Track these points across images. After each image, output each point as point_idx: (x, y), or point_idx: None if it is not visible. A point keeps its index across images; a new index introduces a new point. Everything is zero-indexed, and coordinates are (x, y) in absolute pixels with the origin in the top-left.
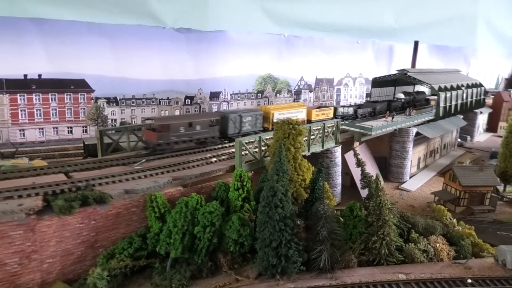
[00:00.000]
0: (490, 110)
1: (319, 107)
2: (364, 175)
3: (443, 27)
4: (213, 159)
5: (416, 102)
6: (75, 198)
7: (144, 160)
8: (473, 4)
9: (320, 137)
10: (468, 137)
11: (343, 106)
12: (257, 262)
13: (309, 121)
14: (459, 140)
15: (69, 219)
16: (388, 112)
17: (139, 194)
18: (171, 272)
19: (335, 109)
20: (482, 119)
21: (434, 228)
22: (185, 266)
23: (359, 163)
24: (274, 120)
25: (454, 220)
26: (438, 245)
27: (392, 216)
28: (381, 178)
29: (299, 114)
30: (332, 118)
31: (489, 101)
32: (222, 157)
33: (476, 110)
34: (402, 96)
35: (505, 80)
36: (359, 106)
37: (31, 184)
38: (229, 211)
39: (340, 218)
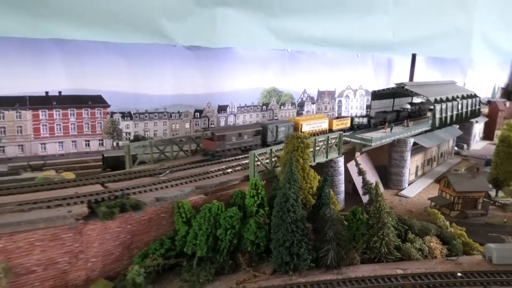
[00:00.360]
0: (486, 119)
1: (337, 118)
2: (365, 183)
3: (440, 40)
4: (229, 170)
5: (421, 112)
6: (115, 205)
7: (168, 172)
8: (468, 18)
9: (324, 148)
10: (465, 146)
11: (359, 117)
12: (272, 260)
13: (330, 130)
14: (456, 148)
15: (110, 224)
16: (386, 124)
17: (168, 201)
18: (198, 269)
19: (352, 119)
20: (478, 128)
21: (429, 230)
22: (209, 264)
23: (360, 172)
24: (303, 130)
25: (447, 222)
26: (432, 244)
27: (390, 219)
28: (380, 185)
29: (323, 124)
30: (350, 127)
31: (485, 110)
32: (237, 168)
33: (472, 120)
34: (408, 106)
35: (501, 89)
36: (372, 116)
37: (75, 194)
38: (246, 216)
39: (344, 221)
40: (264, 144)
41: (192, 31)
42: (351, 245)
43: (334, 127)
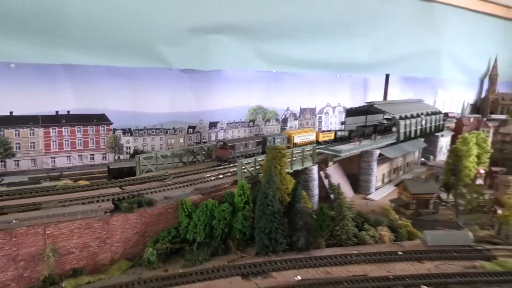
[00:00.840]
0: (453, 133)
1: (323, 131)
2: (330, 184)
3: (411, 61)
4: (221, 176)
5: (396, 126)
6: (134, 201)
7: (171, 177)
8: (437, 40)
9: (300, 158)
10: (431, 157)
11: (341, 131)
12: (255, 245)
13: (317, 141)
14: (422, 159)
15: (129, 216)
16: (356, 137)
17: (174, 199)
18: (197, 252)
19: (335, 133)
20: (444, 141)
21: (381, 221)
22: (206, 248)
23: (326, 175)
24: (294, 141)
25: (397, 216)
26: (382, 232)
27: (350, 213)
28: (350, 190)
29: (311, 136)
30: (333, 139)
31: (451, 125)
32: (227, 174)
33: (437, 134)
34: (385, 121)
35: (470, 105)
36: (352, 130)
37: (101, 194)
38: (235, 211)
39: (314, 215)
40: (264, 152)
41: (186, 56)
42: (318, 233)
43: (320, 139)
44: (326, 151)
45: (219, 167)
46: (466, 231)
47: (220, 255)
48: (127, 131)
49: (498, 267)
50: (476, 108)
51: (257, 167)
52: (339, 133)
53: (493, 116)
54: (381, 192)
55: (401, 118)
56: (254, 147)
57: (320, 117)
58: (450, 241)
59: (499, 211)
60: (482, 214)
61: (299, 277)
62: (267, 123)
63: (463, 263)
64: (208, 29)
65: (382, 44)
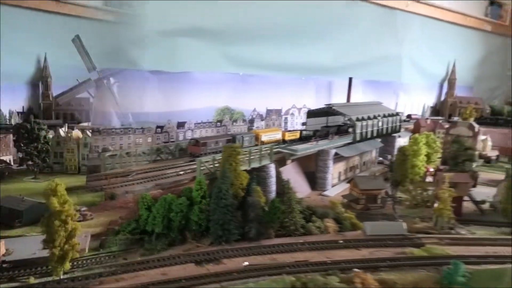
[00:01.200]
0: (411, 134)
1: (289, 131)
2: (281, 180)
3: (374, 66)
4: (181, 172)
5: (353, 127)
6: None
7: (135, 174)
8: (399, 46)
9: (258, 156)
10: (389, 156)
11: (306, 130)
12: (210, 236)
13: (284, 140)
14: (380, 158)
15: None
16: (313, 137)
17: (135, 194)
18: (156, 242)
19: (301, 132)
20: (402, 141)
21: (327, 214)
22: (164, 238)
23: (278, 173)
24: (262, 139)
25: (343, 209)
26: (327, 223)
27: (298, 206)
28: (307, 186)
29: (277, 135)
30: (299, 138)
31: (410, 126)
32: (187, 171)
33: (394, 134)
34: (348, 122)
35: (430, 108)
36: (317, 130)
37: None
38: (192, 204)
39: (265, 209)
40: None
41: (155, 58)
42: (269, 225)
43: (286, 138)
44: (283, 150)
45: (182, 165)
46: (400, 222)
47: (177, 245)
48: (95, 130)
49: (424, 252)
50: (436, 110)
51: (215, 165)
52: (304, 132)
53: (455, 119)
54: (336, 188)
55: (357, 119)
56: (224, 144)
57: (286, 118)
58: (387, 231)
59: (436, 205)
60: (425, 208)
61: (246, 263)
62: (234, 123)
63: (395, 250)
64: (177, 32)
65: (346, 49)
